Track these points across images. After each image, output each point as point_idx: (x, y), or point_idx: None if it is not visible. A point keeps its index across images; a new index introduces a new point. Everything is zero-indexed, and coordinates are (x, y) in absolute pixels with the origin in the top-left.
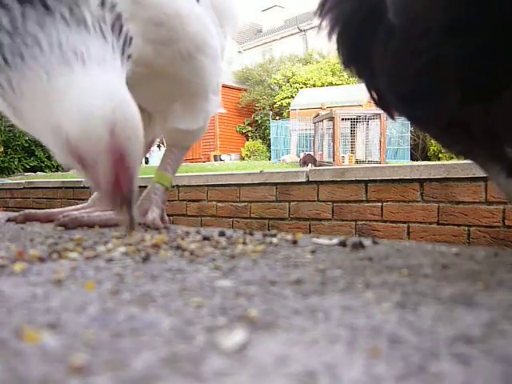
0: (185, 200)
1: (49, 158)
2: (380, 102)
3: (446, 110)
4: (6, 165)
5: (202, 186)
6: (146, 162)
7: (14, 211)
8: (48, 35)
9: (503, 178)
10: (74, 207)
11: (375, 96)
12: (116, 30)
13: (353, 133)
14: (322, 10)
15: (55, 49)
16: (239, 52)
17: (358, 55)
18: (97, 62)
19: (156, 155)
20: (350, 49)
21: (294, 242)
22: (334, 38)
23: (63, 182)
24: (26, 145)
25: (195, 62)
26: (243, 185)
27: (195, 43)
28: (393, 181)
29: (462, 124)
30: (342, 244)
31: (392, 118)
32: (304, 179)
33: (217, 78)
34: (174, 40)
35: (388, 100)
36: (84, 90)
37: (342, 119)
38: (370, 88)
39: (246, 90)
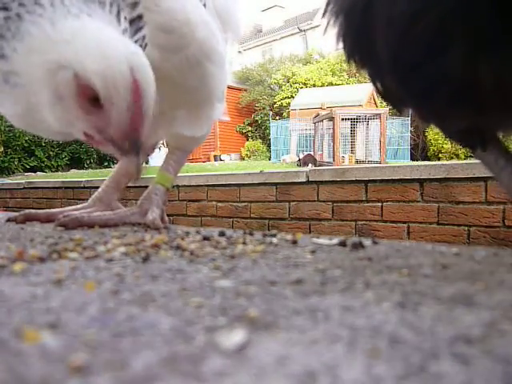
0: (185, 200)
1: (49, 157)
2: (385, 93)
3: (455, 68)
4: (6, 165)
5: (201, 185)
6: (147, 163)
7: (14, 211)
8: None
9: (507, 174)
10: (73, 207)
11: (380, 87)
12: (133, 28)
13: (353, 133)
14: (326, 9)
15: (58, 5)
16: (239, 52)
17: (361, 44)
18: (107, 22)
19: (156, 156)
20: (354, 37)
21: (294, 242)
22: (338, 31)
23: (63, 181)
24: (26, 145)
25: (202, 69)
26: (243, 185)
27: (203, 50)
28: (393, 181)
29: (470, 91)
30: (342, 244)
31: (398, 109)
32: (304, 179)
33: (222, 85)
34: (183, 46)
35: (391, 81)
36: (99, 31)
37: (342, 119)
38: (374, 78)
39: (246, 90)
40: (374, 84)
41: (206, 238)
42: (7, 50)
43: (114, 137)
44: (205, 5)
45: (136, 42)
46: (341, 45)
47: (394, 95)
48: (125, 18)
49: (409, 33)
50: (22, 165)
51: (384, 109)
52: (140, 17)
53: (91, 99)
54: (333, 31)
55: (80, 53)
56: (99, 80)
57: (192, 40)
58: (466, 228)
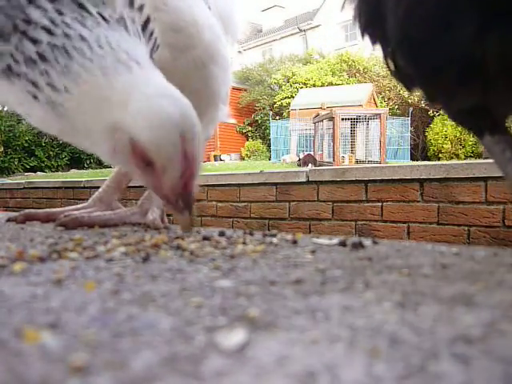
0: None
1: (49, 157)
2: (396, 72)
3: (464, 44)
4: (6, 165)
5: (202, 185)
6: None
7: (14, 211)
8: (93, 33)
9: None
10: (74, 207)
11: (392, 66)
12: (147, 33)
13: (353, 133)
14: None
15: (106, 48)
16: (239, 52)
17: (374, 20)
18: (146, 62)
19: None
20: (367, 14)
21: (294, 242)
22: (353, 7)
23: (63, 181)
24: (26, 145)
25: (208, 71)
26: (243, 185)
27: (209, 52)
28: (393, 181)
29: (479, 68)
30: (342, 244)
31: (408, 89)
32: (304, 179)
33: (226, 87)
34: (190, 47)
35: (401, 59)
36: (150, 92)
37: (342, 119)
38: (386, 56)
39: (246, 90)
40: (386, 62)
41: (206, 238)
42: (58, 82)
43: (167, 195)
44: (209, 7)
45: (152, 48)
46: (357, 21)
47: (405, 74)
48: (138, 29)
49: (418, 8)
50: (22, 165)
51: (384, 109)
52: (149, 19)
53: (146, 162)
54: (332, 30)
55: (135, 118)
56: (154, 150)
57: (198, 41)
58: (466, 228)
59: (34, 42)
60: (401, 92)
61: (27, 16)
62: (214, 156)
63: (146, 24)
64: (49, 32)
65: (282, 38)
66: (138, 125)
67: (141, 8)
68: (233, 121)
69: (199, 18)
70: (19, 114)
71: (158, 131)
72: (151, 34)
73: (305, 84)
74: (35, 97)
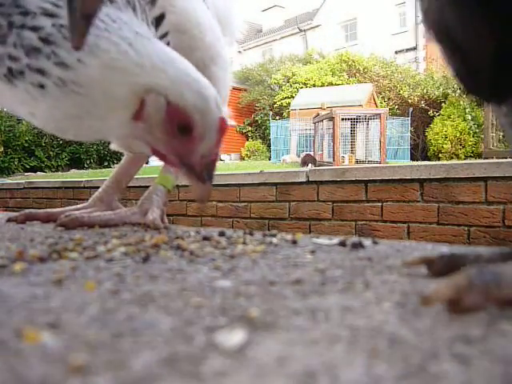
0: (185, 200)
1: (49, 158)
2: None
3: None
4: (6, 165)
5: None
6: (147, 163)
7: (14, 211)
8: (104, 13)
9: None
10: (74, 207)
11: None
12: (159, 31)
13: (353, 133)
14: None
15: (120, 22)
16: (239, 52)
17: None
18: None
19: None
20: None
21: (294, 242)
22: None
23: (63, 181)
24: (26, 145)
25: (209, 72)
26: (243, 185)
27: (210, 54)
28: (393, 181)
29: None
30: (342, 244)
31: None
32: (304, 179)
33: (226, 89)
34: (193, 48)
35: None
36: (183, 63)
37: (342, 119)
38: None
39: (246, 90)
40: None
41: (205, 238)
42: (68, 59)
43: (195, 164)
44: (207, 8)
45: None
46: None
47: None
48: (151, 22)
49: None
50: (22, 165)
51: (384, 109)
52: (162, 16)
53: (183, 127)
54: (332, 30)
55: (178, 85)
56: (198, 116)
57: (201, 43)
58: (466, 228)
59: (35, 29)
60: (401, 92)
61: (24, 8)
62: None
63: (159, 20)
64: (51, 16)
65: (282, 38)
66: (181, 90)
67: (153, 1)
68: (232, 123)
69: (202, 19)
70: (20, 115)
71: (203, 99)
72: (165, 35)
73: (305, 84)
74: (41, 86)
